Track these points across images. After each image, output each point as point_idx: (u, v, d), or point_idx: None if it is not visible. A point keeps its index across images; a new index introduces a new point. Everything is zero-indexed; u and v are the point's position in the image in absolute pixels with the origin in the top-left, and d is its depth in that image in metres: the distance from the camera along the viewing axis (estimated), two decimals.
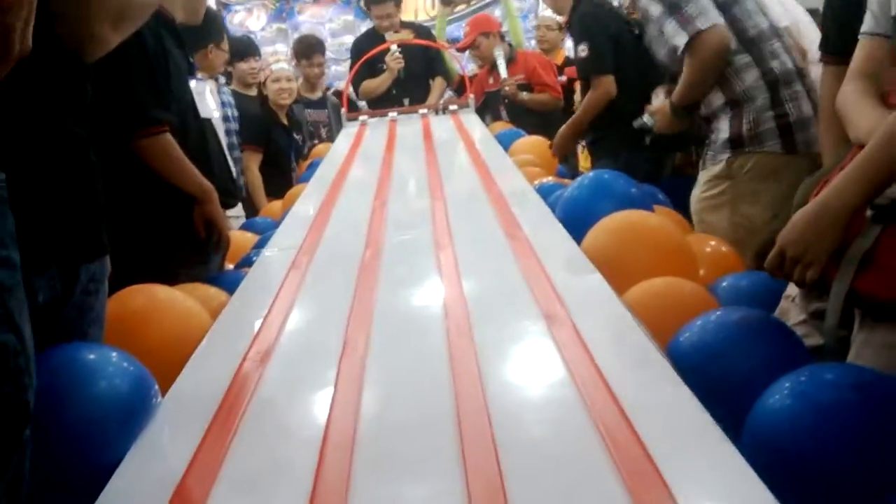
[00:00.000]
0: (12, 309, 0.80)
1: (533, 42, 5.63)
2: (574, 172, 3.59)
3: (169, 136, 1.97)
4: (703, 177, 2.41)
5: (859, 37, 1.39)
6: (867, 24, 1.37)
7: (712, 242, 2.10)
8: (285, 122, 4.21)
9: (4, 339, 0.78)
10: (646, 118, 2.65)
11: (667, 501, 0.80)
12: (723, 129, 2.33)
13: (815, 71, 2.17)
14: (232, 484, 0.94)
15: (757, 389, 1.14)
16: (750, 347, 1.31)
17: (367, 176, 2.83)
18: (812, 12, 2.61)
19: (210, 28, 3.29)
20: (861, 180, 1.16)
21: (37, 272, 1.16)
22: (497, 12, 6.45)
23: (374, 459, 0.95)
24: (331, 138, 4.42)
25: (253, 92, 4.18)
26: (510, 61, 4.51)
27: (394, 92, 4.67)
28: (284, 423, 1.11)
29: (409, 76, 4.66)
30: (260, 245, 2.45)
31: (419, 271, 1.70)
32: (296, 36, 6.44)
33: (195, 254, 2.09)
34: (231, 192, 2.56)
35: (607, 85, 3.07)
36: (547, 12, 4.59)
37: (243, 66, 4.13)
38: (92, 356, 1.17)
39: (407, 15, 6.11)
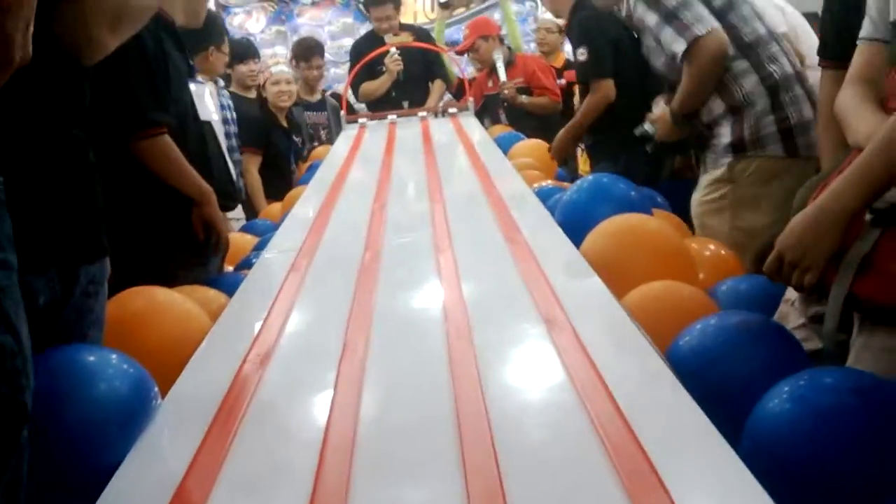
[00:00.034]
0: (9, 310, 0.80)
1: (532, 45, 5.63)
2: (573, 176, 3.60)
3: (167, 138, 1.97)
4: (704, 180, 2.41)
5: (858, 42, 1.40)
6: (866, 29, 1.38)
7: (712, 246, 2.10)
8: (285, 124, 4.22)
9: (1, 340, 0.78)
10: (647, 126, 2.66)
11: None
12: (724, 134, 2.33)
13: (813, 76, 2.17)
14: (232, 486, 0.94)
15: (756, 393, 1.14)
16: (749, 351, 1.31)
17: (367, 178, 2.83)
18: (809, 17, 2.62)
19: (211, 30, 3.30)
20: (859, 184, 1.16)
21: (36, 274, 1.16)
22: (496, 16, 6.45)
23: (373, 462, 0.95)
24: (330, 141, 4.42)
25: (252, 94, 4.19)
26: (509, 65, 4.52)
27: (393, 94, 4.68)
28: (284, 425, 1.11)
29: (408, 78, 4.67)
30: (259, 247, 2.45)
31: (418, 274, 1.70)
32: (295, 38, 6.44)
33: (193, 256, 2.09)
34: (230, 195, 2.56)
35: (606, 89, 3.07)
36: (547, 15, 4.59)
37: (242, 68, 4.14)
38: (91, 358, 1.17)
39: (406, 18, 6.11)
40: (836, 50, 1.74)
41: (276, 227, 2.63)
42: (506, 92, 4.44)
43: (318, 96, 4.77)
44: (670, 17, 2.34)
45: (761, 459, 0.99)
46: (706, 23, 2.28)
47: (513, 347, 1.26)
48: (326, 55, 5.09)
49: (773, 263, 1.24)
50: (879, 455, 1.00)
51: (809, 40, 2.49)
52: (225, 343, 1.41)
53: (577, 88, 3.68)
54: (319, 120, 4.75)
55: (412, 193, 2.70)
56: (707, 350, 1.33)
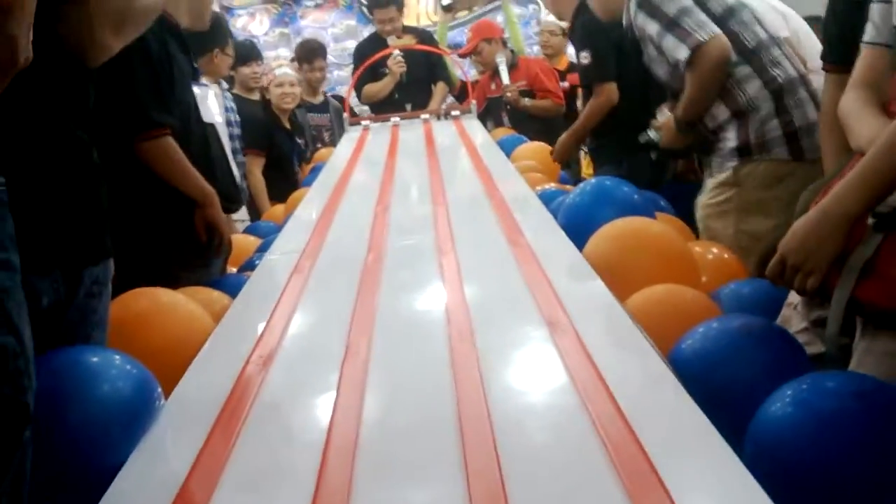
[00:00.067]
0: (11, 311, 0.80)
1: (536, 48, 5.63)
2: (576, 179, 3.60)
3: (170, 140, 1.98)
4: (709, 184, 2.41)
5: (861, 46, 1.40)
6: (869, 33, 1.38)
7: (715, 249, 2.10)
8: (288, 126, 4.23)
9: (4, 341, 0.78)
10: (651, 133, 2.66)
11: None
12: (730, 139, 2.33)
13: (816, 80, 2.17)
14: (234, 487, 0.94)
15: (759, 397, 1.14)
16: (752, 355, 1.31)
17: (370, 181, 2.84)
18: (810, 20, 2.61)
19: (215, 32, 3.30)
20: (862, 188, 1.16)
21: (40, 275, 1.17)
22: (499, 18, 6.46)
23: (376, 463, 0.95)
24: (333, 143, 4.43)
25: (255, 96, 4.20)
26: (512, 67, 4.52)
27: (396, 96, 4.68)
28: (287, 426, 1.11)
29: (411, 80, 4.68)
30: (262, 249, 2.46)
31: (421, 276, 1.70)
32: (298, 40, 6.45)
33: (196, 257, 2.10)
34: (233, 197, 2.56)
35: (609, 92, 3.07)
36: (550, 17, 4.59)
37: (246, 70, 4.15)
38: (95, 359, 1.17)
39: (409, 20, 6.12)
40: (839, 54, 1.74)
41: (279, 228, 2.64)
42: (509, 95, 4.44)
43: (320, 98, 4.78)
44: (671, 25, 2.33)
45: (764, 463, 1.00)
46: (708, 29, 2.28)
47: (515, 350, 1.27)
48: (329, 57, 5.10)
49: (776, 267, 1.24)
50: (882, 459, 1.00)
51: (811, 45, 2.49)
52: (228, 344, 1.41)
53: (580, 91, 3.68)
54: (322, 122, 4.76)
55: (415, 196, 2.70)
56: (709, 353, 1.33)
